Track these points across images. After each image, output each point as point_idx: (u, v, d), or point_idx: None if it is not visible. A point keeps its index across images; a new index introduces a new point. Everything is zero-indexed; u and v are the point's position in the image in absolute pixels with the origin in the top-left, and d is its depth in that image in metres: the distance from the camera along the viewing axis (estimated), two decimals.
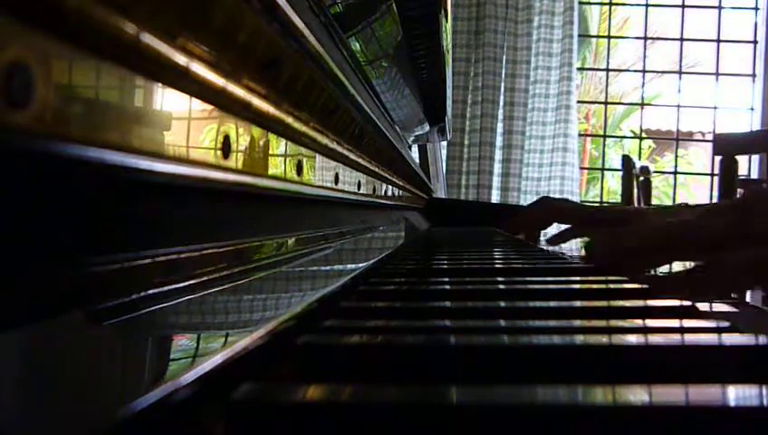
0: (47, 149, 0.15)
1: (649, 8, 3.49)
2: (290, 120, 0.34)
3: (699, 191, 5.49)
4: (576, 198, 3.11)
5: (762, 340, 0.27)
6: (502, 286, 0.50)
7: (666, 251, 0.56)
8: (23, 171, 0.15)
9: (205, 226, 0.27)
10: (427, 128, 1.38)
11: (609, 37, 3.94)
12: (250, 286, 0.29)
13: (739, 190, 2.34)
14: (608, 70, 3.80)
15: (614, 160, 4.38)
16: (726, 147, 2.29)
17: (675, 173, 3.76)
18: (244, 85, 0.27)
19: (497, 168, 3.14)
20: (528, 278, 0.55)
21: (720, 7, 3.32)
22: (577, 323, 0.33)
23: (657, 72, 4.23)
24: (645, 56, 3.57)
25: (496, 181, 3.13)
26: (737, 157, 2.29)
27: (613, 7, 4.66)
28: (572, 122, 3.08)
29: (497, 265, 0.68)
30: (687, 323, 0.32)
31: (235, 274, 0.27)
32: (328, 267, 0.45)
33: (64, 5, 0.15)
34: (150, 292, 0.20)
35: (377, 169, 0.68)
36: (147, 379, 0.18)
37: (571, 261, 0.70)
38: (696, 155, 6.58)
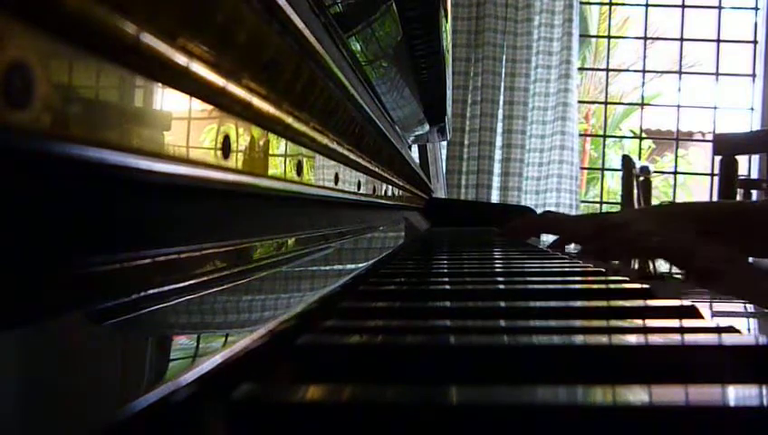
0: (47, 148, 0.15)
1: (649, 8, 3.48)
2: (290, 120, 0.34)
3: (699, 191, 5.48)
4: (576, 197, 3.11)
5: (762, 340, 0.27)
6: (501, 287, 0.50)
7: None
8: (23, 171, 0.15)
9: (205, 226, 0.27)
10: (426, 128, 1.37)
11: (609, 37, 3.93)
12: (250, 286, 0.29)
13: (739, 190, 2.34)
14: (608, 70, 3.80)
15: (614, 161, 4.37)
16: (726, 147, 2.30)
17: (675, 173, 3.76)
18: (244, 85, 0.27)
19: (497, 167, 3.13)
20: (528, 279, 0.55)
21: (720, 7, 3.32)
22: (577, 323, 0.33)
23: (657, 72, 4.22)
24: (645, 56, 3.56)
25: (496, 181, 3.13)
26: (737, 157, 2.29)
27: (613, 7, 4.65)
28: (572, 120, 3.08)
29: (497, 265, 0.68)
30: (687, 323, 0.32)
31: (235, 274, 0.27)
32: (328, 267, 0.45)
33: (64, 5, 0.15)
34: (150, 292, 0.20)
35: (377, 169, 0.68)
36: (147, 379, 0.18)
37: (571, 262, 0.70)
38: (696, 155, 6.57)
